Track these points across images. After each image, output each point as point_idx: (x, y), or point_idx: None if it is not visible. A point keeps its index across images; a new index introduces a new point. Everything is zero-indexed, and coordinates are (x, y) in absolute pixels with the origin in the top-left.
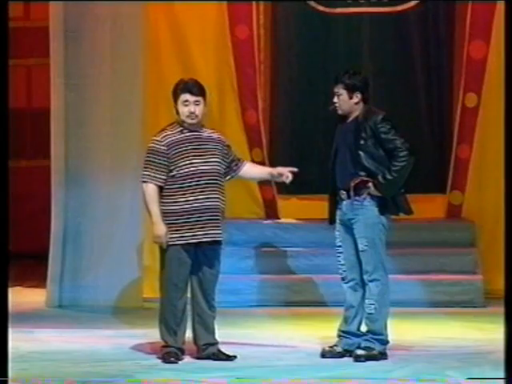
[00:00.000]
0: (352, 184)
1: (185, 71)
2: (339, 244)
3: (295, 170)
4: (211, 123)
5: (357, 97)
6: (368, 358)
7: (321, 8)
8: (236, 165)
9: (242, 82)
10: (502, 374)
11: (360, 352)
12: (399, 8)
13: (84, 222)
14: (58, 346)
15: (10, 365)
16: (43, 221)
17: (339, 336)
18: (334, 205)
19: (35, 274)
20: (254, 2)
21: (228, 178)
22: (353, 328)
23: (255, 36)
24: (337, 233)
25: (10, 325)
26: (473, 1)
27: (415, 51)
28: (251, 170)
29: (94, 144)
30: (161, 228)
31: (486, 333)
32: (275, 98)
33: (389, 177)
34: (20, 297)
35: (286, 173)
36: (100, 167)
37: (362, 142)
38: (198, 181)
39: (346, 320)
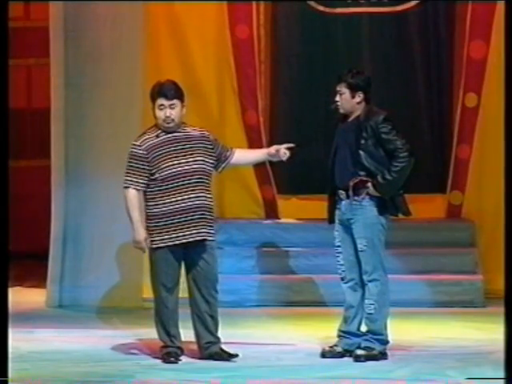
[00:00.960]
0: (351, 183)
1: (185, 71)
2: (338, 244)
3: (292, 145)
4: (211, 123)
5: (359, 96)
6: (368, 358)
7: (321, 8)
8: (225, 155)
9: (242, 82)
10: (502, 373)
11: (360, 352)
12: (399, 8)
13: (84, 222)
14: (58, 346)
15: (10, 365)
16: (43, 221)
17: (339, 336)
18: (333, 204)
19: (35, 274)
20: (253, 2)
21: (220, 169)
22: (353, 328)
23: (255, 36)
24: (336, 233)
25: (10, 325)
26: (473, 1)
27: (415, 51)
28: (245, 155)
29: (94, 144)
30: (140, 233)
31: (486, 333)
32: (275, 98)
33: (388, 177)
34: (20, 297)
35: (283, 150)
36: (100, 167)
37: (362, 141)
38: (182, 181)
39: (345, 320)
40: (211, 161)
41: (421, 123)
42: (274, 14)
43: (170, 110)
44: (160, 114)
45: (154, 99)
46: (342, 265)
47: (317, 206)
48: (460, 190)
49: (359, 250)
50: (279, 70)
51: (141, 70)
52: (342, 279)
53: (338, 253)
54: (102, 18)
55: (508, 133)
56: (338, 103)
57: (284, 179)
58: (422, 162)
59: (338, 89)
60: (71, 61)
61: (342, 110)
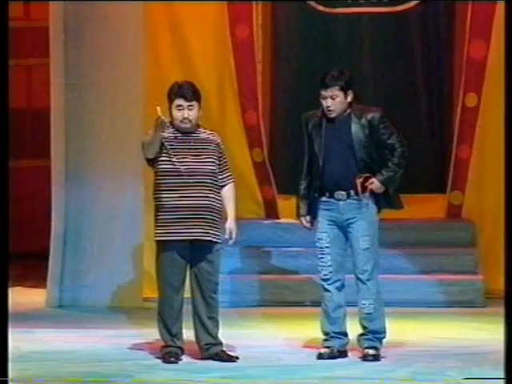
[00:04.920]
0: (358, 181)
1: (185, 71)
2: (327, 245)
3: (232, 240)
4: (211, 123)
5: (350, 95)
6: (376, 357)
7: (321, 8)
8: (221, 178)
9: (242, 82)
10: (502, 374)
11: (371, 352)
12: (399, 8)
13: (84, 223)
14: (58, 346)
15: (10, 365)
16: (43, 221)
17: (331, 337)
18: (315, 203)
19: (35, 274)
20: (253, 2)
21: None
22: (344, 328)
23: (255, 36)
24: (323, 234)
25: (10, 325)
26: (473, 1)
27: (415, 51)
28: (225, 197)
29: (94, 144)
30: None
31: (486, 333)
32: (275, 98)
33: (395, 168)
34: (20, 297)
35: (229, 234)
36: (100, 167)
37: (364, 139)
38: (191, 178)
39: (335, 321)
40: (218, 168)
41: (421, 123)
42: (274, 14)
43: (188, 111)
44: (178, 114)
45: (170, 100)
46: (329, 266)
47: None
48: (460, 189)
49: (362, 248)
50: (279, 69)
51: (141, 70)
52: (327, 280)
53: (326, 254)
54: (102, 18)
55: (508, 133)
56: (331, 107)
57: (284, 179)
58: (422, 162)
59: (329, 94)
60: (71, 61)
61: (334, 114)
